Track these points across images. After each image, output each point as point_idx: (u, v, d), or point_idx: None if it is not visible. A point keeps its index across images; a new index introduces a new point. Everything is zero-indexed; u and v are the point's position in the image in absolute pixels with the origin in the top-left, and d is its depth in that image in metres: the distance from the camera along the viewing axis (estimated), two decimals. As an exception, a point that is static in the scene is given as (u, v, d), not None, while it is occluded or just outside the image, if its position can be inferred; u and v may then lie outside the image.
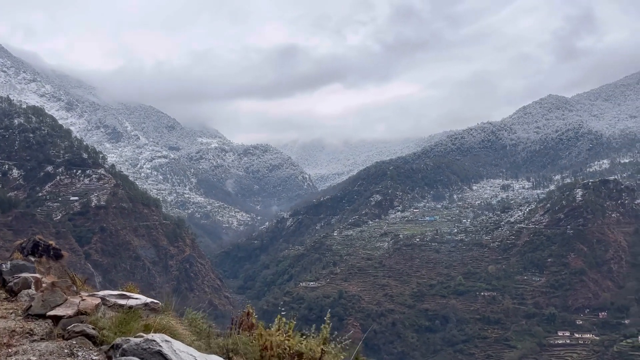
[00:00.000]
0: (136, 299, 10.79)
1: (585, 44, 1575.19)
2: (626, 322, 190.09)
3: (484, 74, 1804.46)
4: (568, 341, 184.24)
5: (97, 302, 9.43)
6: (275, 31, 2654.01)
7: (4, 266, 13.23)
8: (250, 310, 11.55)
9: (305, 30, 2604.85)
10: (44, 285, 11.49)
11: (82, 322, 8.75)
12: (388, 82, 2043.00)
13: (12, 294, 11.67)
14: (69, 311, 9.05)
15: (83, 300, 9.45)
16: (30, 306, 9.68)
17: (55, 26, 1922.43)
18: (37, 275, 12.75)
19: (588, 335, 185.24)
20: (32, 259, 23.63)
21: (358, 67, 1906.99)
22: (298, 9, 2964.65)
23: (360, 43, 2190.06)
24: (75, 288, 10.67)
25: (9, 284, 11.99)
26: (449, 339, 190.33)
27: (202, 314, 11.34)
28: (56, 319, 9.02)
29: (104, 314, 9.48)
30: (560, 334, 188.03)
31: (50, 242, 23.25)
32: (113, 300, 10.58)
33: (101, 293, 10.94)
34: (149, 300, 10.80)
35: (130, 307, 10.01)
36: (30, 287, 11.71)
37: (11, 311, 10.30)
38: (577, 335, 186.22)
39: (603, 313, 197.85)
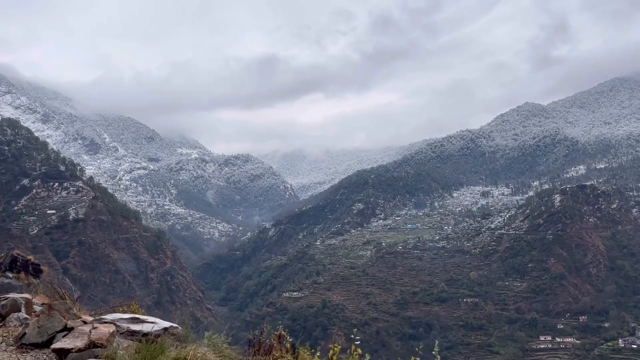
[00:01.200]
0: (152, 322, 9.04)
1: (560, 52, 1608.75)
2: (606, 325, 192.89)
3: (462, 83, 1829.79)
4: (550, 345, 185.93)
5: (111, 330, 7.77)
6: (255, 41, 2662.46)
7: None
8: (283, 333, 10.28)
9: (285, 40, 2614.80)
10: (35, 306, 10.43)
11: (96, 357, 7.15)
12: (368, 91, 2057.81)
13: (0, 317, 10.38)
14: (78, 343, 7.37)
15: (94, 328, 7.58)
16: (24, 334, 8.20)
17: (32, 37, 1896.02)
18: (27, 295, 11.30)
19: (569, 339, 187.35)
20: (10, 275, 22.85)
21: (338, 77, 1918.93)
22: (278, 19, 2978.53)
23: (340, 52, 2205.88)
24: (74, 311, 9.44)
25: None
26: (433, 346, 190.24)
27: (223, 337, 9.71)
28: (62, 353, 7.36)
29: (119, 344, 7.81)
30: (542, 338, 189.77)
31: (29, 256, 22.49)
32: (125, 325, 8.74)
33: (109, 316, 9.10)
34: (166, 324, 8.96)
35: (148, 335, 8.36)
36: (20, 310, 10.42)
37: (0, 339, 8.75)
38: (558, 340, 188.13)
39: (583, 317, 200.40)
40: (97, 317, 8.76)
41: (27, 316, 10.06)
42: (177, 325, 8.77)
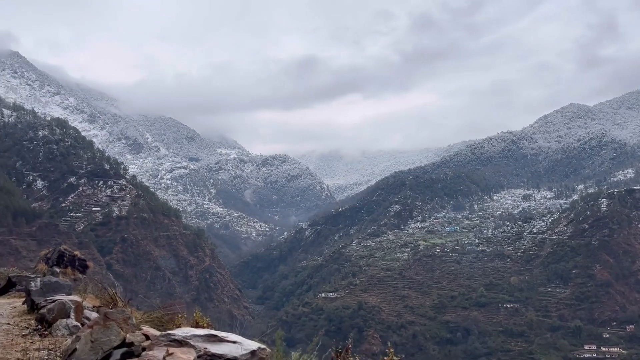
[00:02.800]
0: (232, 342, 6.84)
1: (608, 51, 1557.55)
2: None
3: (503, 83, 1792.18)
4: (595, 355, 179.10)
5: (192, 358, 6.12)
6: (294, 43, 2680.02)
7: (32, 284, 10.95)
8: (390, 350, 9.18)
9: (324, 41, 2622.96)
10: (86, 312, 9.27)
11: None
12: (407, 92, 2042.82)
13: (45, 324, 9.16)
14: None
15: (169, 355, 6.06)
16: (75, 350, 6.71)
17: (80, 40, 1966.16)
18: (76, 298, 10.09)
19: (615, 349, 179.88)
20: (57, 270, 23.54)
21: (377, 78, 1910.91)
22: (317, 20, 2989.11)
23: (379, 53, 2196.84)
24: (133, 321, 7.84)
25: (41, 310, 9.48)
26: (471, 352, 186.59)
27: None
28: None
29: None
30: (586, 347, 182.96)
31: (76, 252, 23.08)
32: (201, 345, 6.55)
33: (179, 332, 6.91)
34: (252, 344, 6.88)
35: None
36: (69, 316, 9.24)
37: (45, 353, 7.33)
38: (604, 349, 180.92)
39: (631, 326, 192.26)
40: (164, 333, 6.71)
41: (77, 324, 9.01)
42: (264, 347, 6.76)
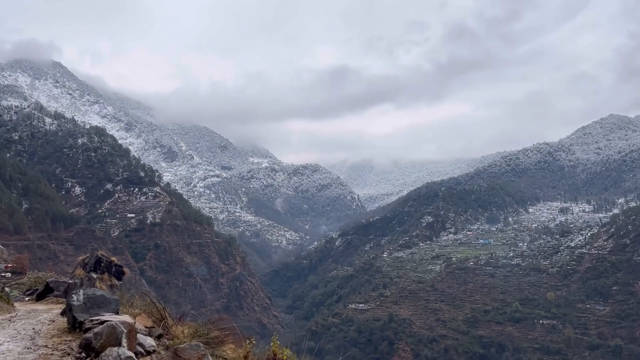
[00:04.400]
0: None
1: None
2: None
3: (539, 94, 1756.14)
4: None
5: None
6: (327, 53, 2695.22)
7: (74, 297, 9.38)
8: None
9: (357, 51, 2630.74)
10: (139, 337, 7.79)
11: None
12: (440, 102, 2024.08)
13: (92, 352, 7.70)
14: None
15: None
16: None
17: (119, 51, 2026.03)
18: (127, 318, 8.44)
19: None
20: (95, 276, 23.63)
21: (409, 87, 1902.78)
22: (350, 30, 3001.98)
23: (413, 63, 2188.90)
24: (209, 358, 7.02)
25: (87, 335, 7.95)
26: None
27: None
28: None
29: None
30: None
31: (113, 258, 23.11)
32: None
33: None
34: None
35: None
36: (120, 343, 7.78)
37: None
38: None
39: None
40: None
41: (131, 354, 7.55)
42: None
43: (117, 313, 9.24)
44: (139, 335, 8.14)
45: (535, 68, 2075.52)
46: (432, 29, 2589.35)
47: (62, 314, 12.66)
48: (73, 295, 9.14)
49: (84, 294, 9.24)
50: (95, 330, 7.91)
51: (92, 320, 8.26)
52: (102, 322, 8.07)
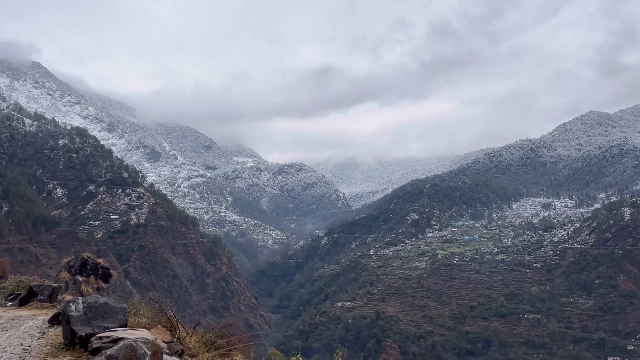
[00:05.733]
0: None
1: (629, 58, 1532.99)
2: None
3: (521, 91, 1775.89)
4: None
5: None
6: (311, 52, 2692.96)
7: (73, 307, 7.65)
8: None
9: (342, 50, 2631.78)
10: (165, 356, 6.07)
11: None
12: (424, 100, 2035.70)
13: None
14: None
15: None
16: None
17: (101, 51, 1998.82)
18: (145, 334, 6.92)
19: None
20: (80, 279, 22.92)
21: (394, 86, 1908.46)
22: (334, 29, 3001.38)
23: (397, 62, 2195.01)
24: None
25: (98, 358, 6.07)
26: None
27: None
28: None
29: None
30: (610, 359, 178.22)
31: (99, 260, 22.45)
32: None
33: None
34: None
35: None
36: None
37: None
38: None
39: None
40: None
41: None
42: None
43: (125, 325, 7.82)
44: (165, 357, 6.30)
45: (517, 66, 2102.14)
46: (416, 27, 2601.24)
47: (51, 321, 11.64)
48: (71, 305, 7.63)
49: (83, 302, 7.75)
50: (109, 352, 5.95)
51: (100, 338, 6.44)
52: (115, 340, 6.34)
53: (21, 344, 9.55)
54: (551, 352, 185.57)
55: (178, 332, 8.54)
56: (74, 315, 7.44)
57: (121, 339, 6.34)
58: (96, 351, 6.39)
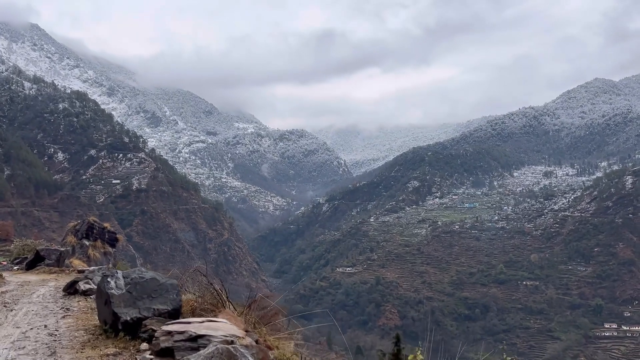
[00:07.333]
0: None
1: (637, 25, 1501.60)
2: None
3: (526, 58, 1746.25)
4: (615, 333, 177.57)
5: None
6: (313, 16, 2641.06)
7: (113, 283, 6.12)
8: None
9: (344, 14, 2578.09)
10: None
11: None
12: (427, 66, 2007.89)
13: None
14: None
15: None
16: None
17: (100, 13, 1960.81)
18: (230, 327, 5.42)
19: (636, 328, 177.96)
20: (87, 243, 22.68)
21: (397, 51, 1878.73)
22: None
23: (400, 26, 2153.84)
24: None
25: None
26: (490, 329, 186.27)
27: None
28: None
29: None
30: (607, 326, 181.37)
31: (105, 224, 22.17)
32: None
33: None
34: None
35: None
36: None
37: None
38: (624, 328, 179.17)
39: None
40: None
41: None
42: None
43: (179, 307, 6.49)
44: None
45: (522, 31, 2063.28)
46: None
47: (67, 290, 11.03)
48: (110, 280, 6.24)
49: (125, 278, 6.31)
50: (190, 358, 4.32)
51: (170, 334, 4.76)
52: (194, 339, 4.77)
53: (45, 326, 7.88)
54: (548, 318, 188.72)
55: (222, 307, 7.13)
56: (116, 295, 6.08)
57: (201, 336, 4.73)
58: (166, 353, 4.76)
